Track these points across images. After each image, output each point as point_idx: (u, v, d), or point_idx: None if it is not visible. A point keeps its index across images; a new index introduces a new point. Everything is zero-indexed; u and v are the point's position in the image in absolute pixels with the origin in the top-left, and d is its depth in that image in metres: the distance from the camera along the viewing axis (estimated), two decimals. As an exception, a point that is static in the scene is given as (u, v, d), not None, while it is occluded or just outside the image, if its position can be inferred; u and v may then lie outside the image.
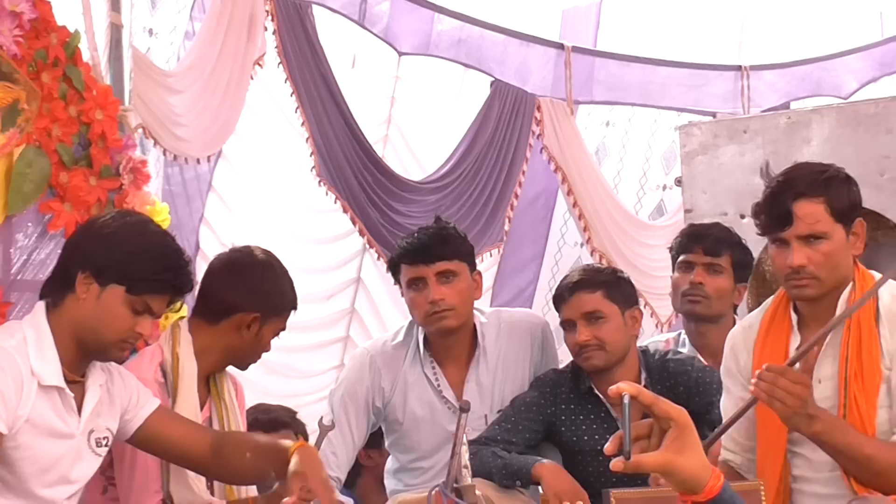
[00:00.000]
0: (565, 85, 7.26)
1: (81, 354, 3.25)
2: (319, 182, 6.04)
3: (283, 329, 3.82)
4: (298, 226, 6.36)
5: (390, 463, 4.50)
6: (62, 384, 3.20)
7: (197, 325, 3.72)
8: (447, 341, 4.26)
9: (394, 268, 4.30)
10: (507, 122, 6.98)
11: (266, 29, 5.66)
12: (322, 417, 3.96)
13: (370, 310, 6.81)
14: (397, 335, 4.36)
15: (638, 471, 1.99)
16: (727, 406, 3.60)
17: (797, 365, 3.32)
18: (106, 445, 3.35)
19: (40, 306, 3.27)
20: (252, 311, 3.69)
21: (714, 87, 7.88)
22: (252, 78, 5.59)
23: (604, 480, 3.87)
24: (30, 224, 4.02)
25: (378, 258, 6.41)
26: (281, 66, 5.81)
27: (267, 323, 3.73)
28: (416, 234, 4.25)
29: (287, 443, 3.37)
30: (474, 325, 4.30)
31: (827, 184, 3.36)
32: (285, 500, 3.19)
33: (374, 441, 4.61)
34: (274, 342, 3.81)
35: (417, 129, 6.88)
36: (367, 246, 6.42)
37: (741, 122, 5.54)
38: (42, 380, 3.16)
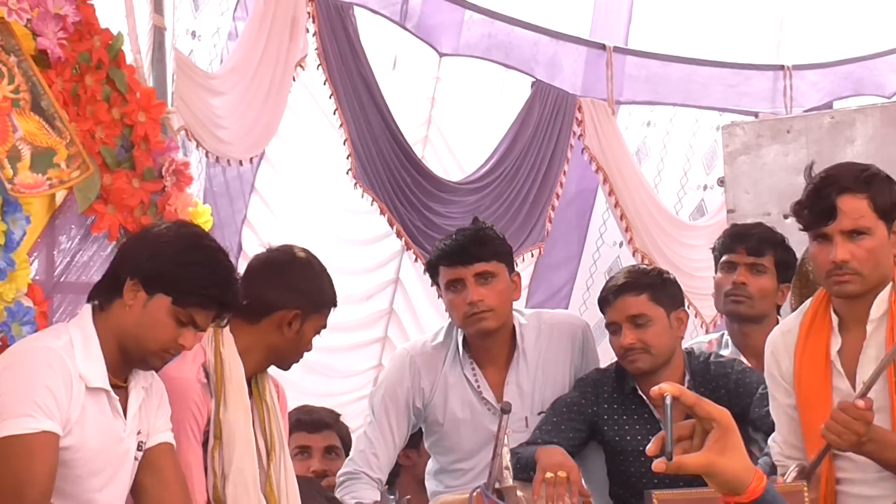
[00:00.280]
0: (607, 85, 7.25)
1: (123, 360, 3.27)
2: (356, 184, 6.06)
3: (324, 327, 3.81)
4: (339, 227, 6.37)
5: (431, 464, 4.50)
6: (108, 387, 3.22)
7: (238, 326, 3.72)
8: (486, 343, 4.25)
9: (432, 270, 4.29)
10: (547, 122, 6.97)
11: (307, 31, 5.68)
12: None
13: (408, 310, 6.82)
14: (437, 336, 4.36)
15: (680, 472, 1.98)
16: (778, 416, 3.58)
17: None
18: (142, 450, 3.37)
19: (87, 309, 3.29)
20: (292, 308, 3.69)
21: (756, 87, 7.84)
22: (294, 80, 5.61)
23: (646, 481, 3.86)
24: (73, 226, 4.04)
25: (416, 260, 6.42)
26: (321, 67, 5.82)
27: (308, 320, 3.72)
28: (453, 236, 4.24)
29: None
30: (514, 327, 4.28)
31: (870, 181, 3.35)
32: None
33: (413, 441, 4.61)
34: (314, 342, 3.82)
35: (457, 130, 6.88)
36: (405, 247, 6.43)
37: (784, 121, 5.52)
38: (89, 381, 3.18)
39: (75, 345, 3.20)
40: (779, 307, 4.60)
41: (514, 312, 4.29)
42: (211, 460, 3.60)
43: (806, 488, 3.35)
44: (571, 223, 7.43)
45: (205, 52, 5.45)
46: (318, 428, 4.72)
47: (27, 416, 3.06)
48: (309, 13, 5.67)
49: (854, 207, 3.32)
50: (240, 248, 5.83)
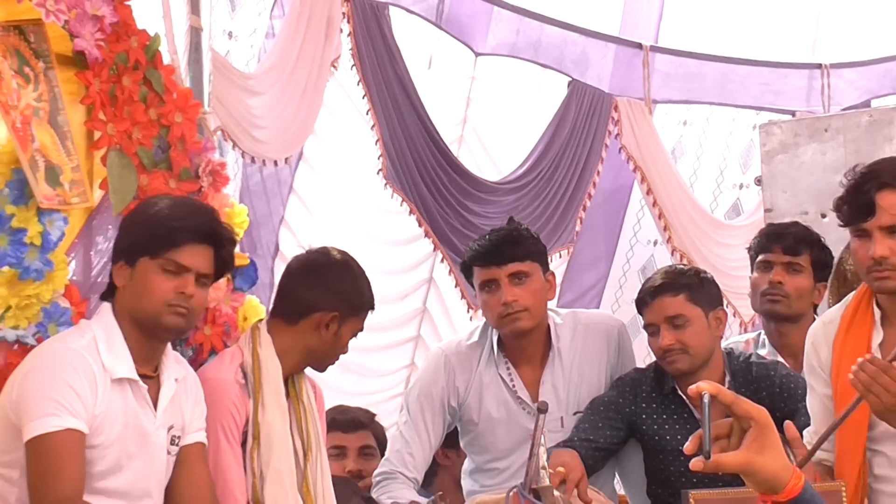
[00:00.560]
0: (643, 84, 7.24)
1: (147, 341, 3.30)
2: (386, 185, 6.06)
3: (361, 330, 3.83)
4: (375, 227, 6.38)
5: (467, 464, 4.50)
6: (135, 376, 3.25)
7: (276, 326, 3.75)
8: (521, 342, 4.24)
9: (466, 270, 4.29)
10: (584, 122, 6.97)
11: (342, 31, 5.69)
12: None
13: (441, 309, 6.83)
14: (472, 335, 4.35)
15: (717, 470, 1.98)
16: (813, 406, 3.56)
17: None
18: (177, 445, 3.39)
19: (106, 305, 3.36)
20: (331, 310, 3.71)
21: (792, 85, 7.80)
22: (330, 76, 5.62)
23: (684, 480, 3.85)
24: (110, 227, 4.05)
25: (442, 260, 6.42)
26: (354, 68, 5.83)
27: (345, 323, 3.74)
28: (487, 236, 4.24)
29: None
30: (549, 326, 4.28)
31: None
32: None
33: (452, 441, 4.61)
34: (349, 342, 3.83)
35: (493, 129, 6.88)
36: (433, 248, 6.42)
37: (822, 120, 5.49)
38: (113, 373, 3.22)
39: (99, 340, 3.25)
40: (816, 306, 4.58)
41: (549, 312, 4.28)
42: (249, 461, 3.62)
43: (843, 488, 3.33)
44: (604, 222, 7.42)
45: (241, 53, 5.47)
46: (353, 428, 4.73)
47: (52, 416, 3.10)
48: (344, 13, 5.68)
49: (893, 203, 3.30)
50: (276, 249, 5.85)
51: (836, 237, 3.78)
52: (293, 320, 3.73)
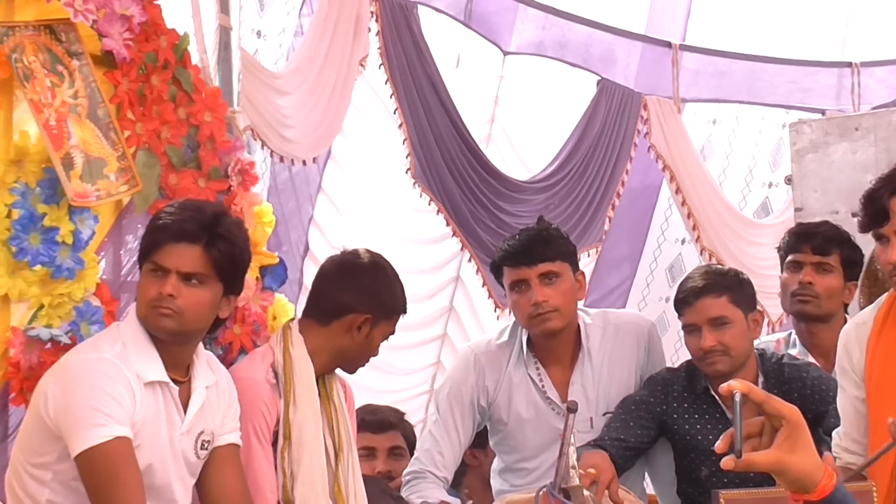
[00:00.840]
0: (672, 83, 7.22)
1: (165, 345, 3.29)
2: (414, 184, 6.06)
3: (392, 333, 3.83)
4: (404, 226, 6.38)
5: (496, 463, 4.50)
6: (166, 378, 3.26)
7: (308, 326, 3.75)
8: (550, 343, 4.23)
9: (496, 270, 4.29)
10: (613, 121, 6.96)
11: (370, 30, 5.69)
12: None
13: (467, 308, 6.83)
14: (502, 335, 4.35)
15: (749, 469, 1.97)
16: (844, 407, 3.55)
17: None
18: (207, 449, 3.39)
19: (132, 309, 3.36)
20: (364, 312, 3.71)
21: (822, 84, 7.77)
22: (358, 75, 5.62)
23: (715, 480, 3.84)
24: (139, 226, 4.06)
25: (469, 259, 6.42)
26: (382, 67, 5.83)
27: (378, 325, 3.74)
28: (517, 236, 4.23)
29: None
30: (578, 326, 4.26)
31: None
32: None
33: (480, 441, 4.61)
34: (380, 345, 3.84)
35: (521, 128, 6.87)
36: (461, 247, 6.42)
37: (853, 119, 5.47)
38: (144, 377, 3.22)
39: (128, 346, 3.25)
40: (846, 306, 4.56)
41: (579, 312, 4.28)
42: (280, 460, 3.62)
43: (875, 488, 3.32)
44: (632, 221, 7.40)
45: (270, 52, 5.47)
46: (382, 428, 4.72)
47: (99, 426, 3.10)
48: (372, 12, 5.69)
49: None
50: (306, 249, 5.85)
51: (867, 236, 3.75)
52: (325, 321, 3.73)
